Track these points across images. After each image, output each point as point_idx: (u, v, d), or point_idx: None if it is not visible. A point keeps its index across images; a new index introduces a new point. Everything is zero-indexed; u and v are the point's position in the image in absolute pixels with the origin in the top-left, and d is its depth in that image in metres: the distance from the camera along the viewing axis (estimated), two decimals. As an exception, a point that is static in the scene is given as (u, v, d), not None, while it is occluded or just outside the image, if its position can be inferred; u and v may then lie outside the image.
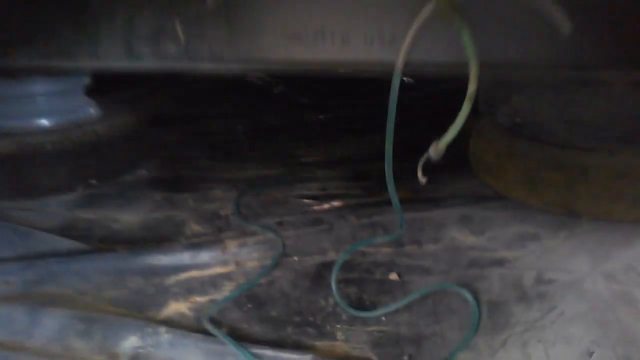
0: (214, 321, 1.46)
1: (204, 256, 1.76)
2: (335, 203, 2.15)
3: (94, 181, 2.24)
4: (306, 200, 2.18)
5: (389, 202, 2.23)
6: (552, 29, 0.94)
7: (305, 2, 1.03)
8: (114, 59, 1.22)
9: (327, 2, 1.03)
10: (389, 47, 1.04)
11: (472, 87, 0.90)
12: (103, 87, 2.41)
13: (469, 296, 1.52)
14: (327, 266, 1.70)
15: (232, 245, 1.80)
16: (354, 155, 2.76)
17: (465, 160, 2.52)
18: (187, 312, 1.54)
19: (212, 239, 1.85)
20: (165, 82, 3.58)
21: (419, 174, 1.14)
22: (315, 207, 2.12)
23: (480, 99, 2.33)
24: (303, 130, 3.22)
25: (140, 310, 1.53)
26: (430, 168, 1.24)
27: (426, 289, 1.59)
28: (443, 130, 1.18)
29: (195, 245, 1.81)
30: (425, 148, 1.19)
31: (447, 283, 1.61)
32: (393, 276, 1.65)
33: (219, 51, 1.09)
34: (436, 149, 1.10)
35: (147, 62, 1.17)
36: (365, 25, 1.04)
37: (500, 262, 1.71)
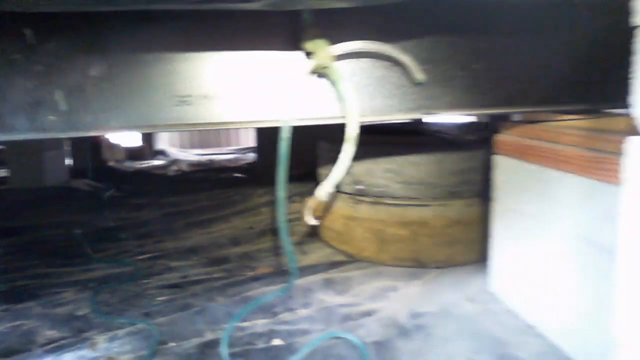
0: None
1: (68, 358, 1.59)
2: (201, 287, 2.12)
3: None
4: (169, 290, 2.11)
5: (254, 279, 2.29)
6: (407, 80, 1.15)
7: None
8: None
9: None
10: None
11: (351, 132, 1.05)
12: None
13: (355, 340, 1.61)
14: (208, 346, 1.65)
15: (101, 341, 1.67)
16: (206, 245, 2.75)
17: (314, 233, 2.69)
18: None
19: (75, 340, 1.69)
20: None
21: (309, 216, 1.24)
22: (181, 294, 2.06)
23: (321, 172, 2.55)
24: (144, 228, 3.12)
25: None
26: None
27: (315, 340, 1.64)
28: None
29: (55, 350, 1.64)
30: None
31: (333, 332, 1.69)
32: (277, 342, 1.66)
33: (104, 119, 1.10)
34: (324, 191, 1.21)
35: (22, 134, 1.11)
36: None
37: (369, 313, 1.84)
